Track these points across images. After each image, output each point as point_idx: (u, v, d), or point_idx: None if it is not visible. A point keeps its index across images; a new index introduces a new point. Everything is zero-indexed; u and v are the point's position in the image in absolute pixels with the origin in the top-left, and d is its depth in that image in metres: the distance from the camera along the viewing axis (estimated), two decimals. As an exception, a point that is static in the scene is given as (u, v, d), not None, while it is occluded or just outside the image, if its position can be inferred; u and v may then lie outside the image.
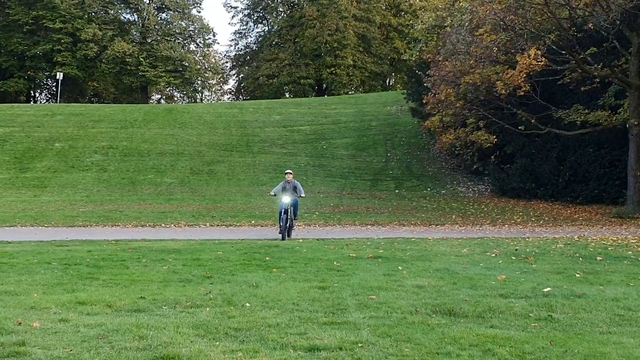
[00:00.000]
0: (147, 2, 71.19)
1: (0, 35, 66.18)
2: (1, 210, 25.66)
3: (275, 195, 19.29)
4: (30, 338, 6.80)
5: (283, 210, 18.15)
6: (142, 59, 67.62)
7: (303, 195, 18.90)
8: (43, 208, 26.41)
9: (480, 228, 22.74)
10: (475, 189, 34.41)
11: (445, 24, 29.89)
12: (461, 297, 9.30)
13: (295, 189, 18.92)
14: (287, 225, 18.23)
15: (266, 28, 76.41)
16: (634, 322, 7.97)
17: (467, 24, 27.33)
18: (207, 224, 22.65)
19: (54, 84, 72.66)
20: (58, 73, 60.57)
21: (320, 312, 8.26)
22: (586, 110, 28.20)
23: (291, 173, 19.45)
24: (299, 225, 22.51)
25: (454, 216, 26.44)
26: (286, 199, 18.45)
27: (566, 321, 7.97)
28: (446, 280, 10.76)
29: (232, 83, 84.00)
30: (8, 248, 14.74)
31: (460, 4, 27.84)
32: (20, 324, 7.35)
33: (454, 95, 28.72)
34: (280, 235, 18.07)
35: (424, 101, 32.11)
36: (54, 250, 14.32)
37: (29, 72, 67.87)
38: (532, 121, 29.01)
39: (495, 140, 29.58)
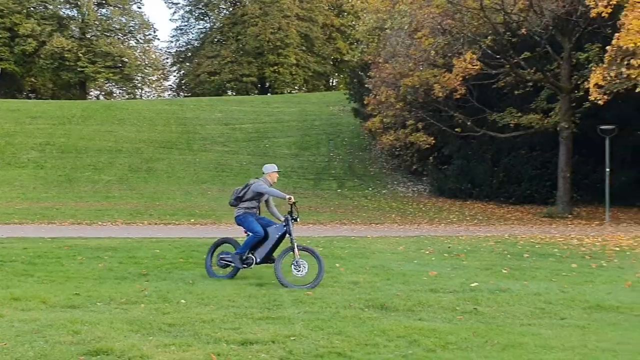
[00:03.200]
0: (87, -3, 69.97)
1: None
2: None
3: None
4: (-38, 333, 6.81)
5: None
6: (81, 55, 66.38)
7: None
8: (-23, 205, 25.84)
9: (418, 227, 23.23)
10: (415, 189, 34.98)
11: (386, 26, 30.31)
12: (394, 292, 9.63)
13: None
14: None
15: (208, 25, 75.80)
16: (553, 314, 8.39)
17: (406, 26, 27.78)
18: (145, 222, 22.54)
19: (-10, 79, 70.74)
20: (-5, 68, 59.11)
21: (256, 308, 8.45)
22: (519, 114, 29.01)
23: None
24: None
25: (393, 215, 26.90)
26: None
27: (490, 314, 8.35)
28: (381, 277, 11.09)
29: (172, 79, 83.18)
30: (-60, 245, 14.49)
31: (400, 6, 28.31)
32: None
33: (394, 96, 29.19)
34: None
35: (365, 102, 32.51)
36: (-12, 248, 14.13)
37: (-36, 67, 65.98)
38: (468, 123, 29.71)
39: (433, 141, 30.19)
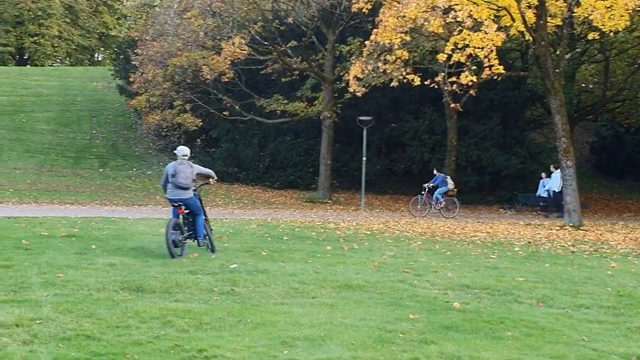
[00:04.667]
0: None
1: None
2: None
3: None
4: None
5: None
6: None
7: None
8: None
9: (183, 209, 23.03)
10: (181, 170, 34.67)
11: (155, 4, 29.70)
12: (152, 274, 9.49)
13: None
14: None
15: (-39, -12, 69.23)
16: (305, 294, 8.76)
17: (176, 6, 27.47)
18: None
19: None
20: None
21: (1, 292, 7.99)
22: (286, 101, 29.93)
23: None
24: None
25: (157, 197, 26.43)
26: None
27: (246, 294, 8.53)
28: (139, 259, 10.89)
29: None
30: None
31: (170, -16, 27.94)
32: None
33: (161, 76, 28.72)
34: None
35: (131, 79, 31.60)
36: None
37: None
38: (237, 107, 30.08)
39: (201, 123, 30.18)
